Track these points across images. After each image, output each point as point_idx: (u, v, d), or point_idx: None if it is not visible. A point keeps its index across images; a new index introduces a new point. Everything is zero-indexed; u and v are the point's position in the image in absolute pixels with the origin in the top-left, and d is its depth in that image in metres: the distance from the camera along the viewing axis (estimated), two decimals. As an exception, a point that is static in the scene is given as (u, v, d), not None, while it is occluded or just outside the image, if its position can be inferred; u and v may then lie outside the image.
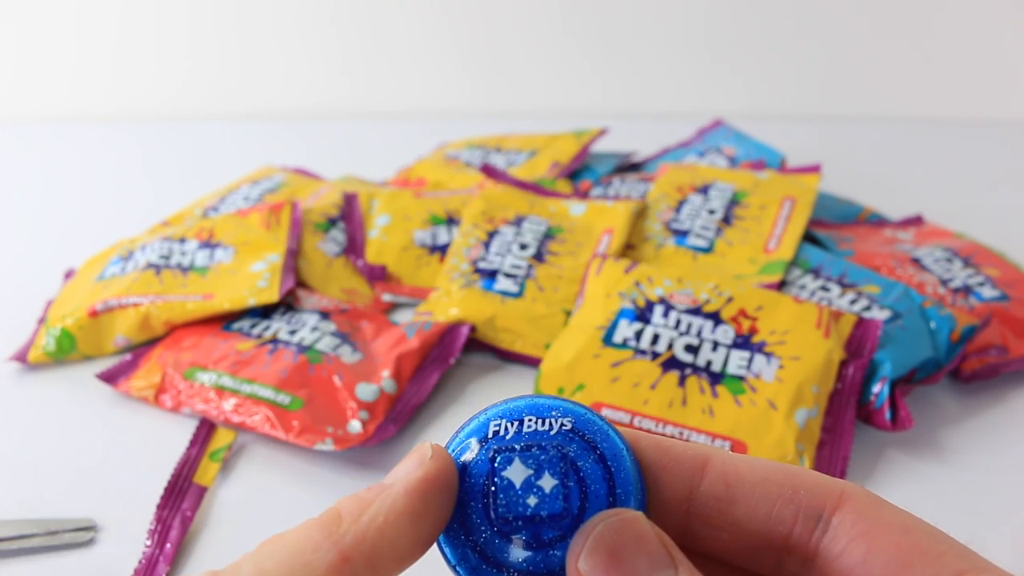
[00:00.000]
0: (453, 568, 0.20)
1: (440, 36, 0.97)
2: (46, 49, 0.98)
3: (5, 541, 0.40)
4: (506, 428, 0.21)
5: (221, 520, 0.43)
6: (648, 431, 0.38)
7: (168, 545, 0.40)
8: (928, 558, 0.18)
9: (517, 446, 0.20)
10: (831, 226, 0.64)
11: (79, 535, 0.41)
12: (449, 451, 0.21)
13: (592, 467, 0.20)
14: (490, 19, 0.96)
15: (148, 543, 0.40)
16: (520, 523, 0.20)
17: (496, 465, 0.20)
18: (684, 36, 0.95)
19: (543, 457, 0.20)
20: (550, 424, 0.21)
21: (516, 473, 0.20)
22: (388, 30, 0.97)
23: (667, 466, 0.21)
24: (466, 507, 0.20)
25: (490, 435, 0.21)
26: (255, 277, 0.55)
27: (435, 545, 0.20)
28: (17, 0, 0.95)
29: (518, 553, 0.20)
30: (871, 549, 0.19)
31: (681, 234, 0.59)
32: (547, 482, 0.20)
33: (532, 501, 0.20)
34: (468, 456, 0.21)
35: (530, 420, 0.21)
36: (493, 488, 0.20)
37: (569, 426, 0.21)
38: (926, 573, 0.18)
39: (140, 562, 0.39)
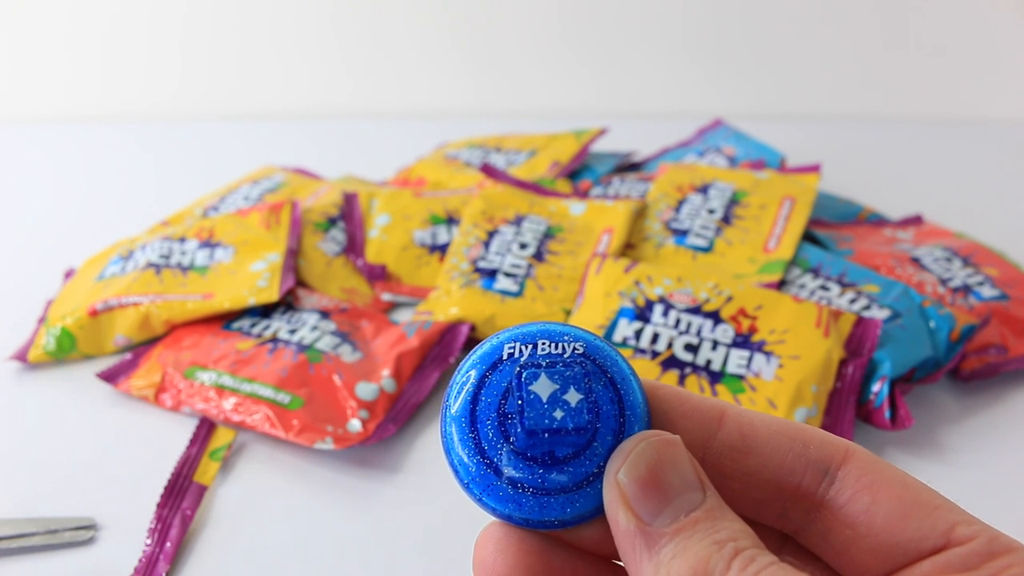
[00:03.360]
0: (465, 487, 0.21)
1: (440, 36, 0.97)
2: (46, 49, 0.98)
3: (5, 540, 0.40)
4: (520, 350, 0.21)
5: (221, 519, 0.43)
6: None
7: (168, 544, 0.40)
8: (925, 510, 0.19)
9: (542, 363, 0.21)
10: (831, 226, 0.64)
11: (79, 534, 0.41)
12: (462, 371, 0.21)
13: (602, 390, 0.21)
14: (490, 19, 0.96)
15: (148, 542, 0.40)
16: (545, 435, 0.20)
17: (523, 380, 0.21)
18: (684, 36, 0.96)
19: (568, 373, 0.21)
20: (563, 348, 0.21)
21: (543, 387, 0.21)
22: (388, 30, 0.97)
23: (686, 413, 0.21)
24: (481, 426, 0.21)
25: (505, 357, 0.21)
26: (255, 276, 0.55)
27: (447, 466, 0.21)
28: (17, 0, 0.95)
29: (532, 469, 0.20)
30: (874, 500, 0.20)
31: (681, 233, 0.59)
32: (573, 396, 0.21)
33: (558, 414, 0.20)
34: (483, 375, 0.21)
35: (544, 344, 0.21)
36: (520, 401, 0.20)
37: (581, 350, 0.21)
38: (923, 523, 0.19)
39: (140, 561, 0.40)
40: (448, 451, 0.21)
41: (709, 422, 0.21)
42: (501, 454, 0.20)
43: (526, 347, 0.21)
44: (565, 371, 0.21)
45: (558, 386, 0.21)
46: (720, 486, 0.21)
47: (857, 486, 0.20)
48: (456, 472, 0.21)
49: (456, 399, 0.21)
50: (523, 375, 0.21)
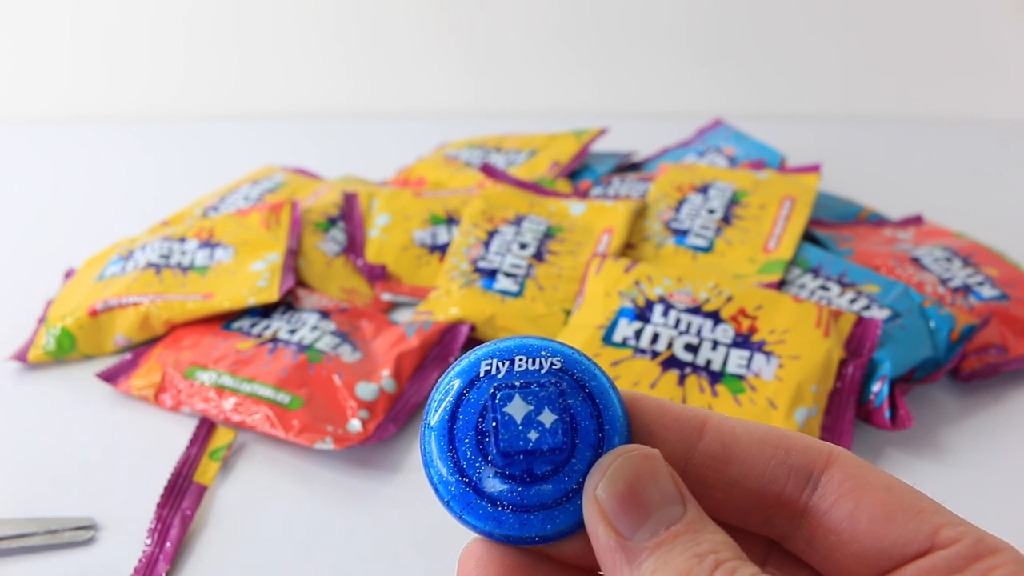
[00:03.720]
0: (446, 504, 0.21)
1: (440, 37, 0.97)
2: (46, 49, 0.98)
3: (5, 540, 0.40)
4: (497, 367, 0.21)
5: (221, 519, 0.43)
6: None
7: (168, 544, 0.40)
8: (909, 513, 0.19)
9: (516, 383, 0.21)
10: (831, 226, 0.64)
11: (79, 534, 0.41)
12: (440, 389, 0.21)
13: (581, 405, 0.21)
14: (490, 20, 0.96)
15: (148, 542, 0.40)
16: (521, 457, 0.20)
17: (497, 401, 0.21)
18: (684, 36, 0.96)
19: (542, 394, 0.21)
20: (540, 364, 0.21)
21: (517, 409, 0.21)
22: (388, 30, 0.97)
23: (667, 424, 0.21)
24: (459, 444, 0.21)
25: (482, 374, 0.21)
26: (255, 276, 0.55)
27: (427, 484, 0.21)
28: (17, 0, 0.95)
29: (511, 487, 0.20)
30: (858, 505, 0.20)
31: (681, 233, 0.59)
32: (547, 417, 0.21)
33: (533, 436, 0.20)
34: (461, 392, 0.21)
35: (521, 360, 0.21)
36: (494, 424, 0.20)
37: (559, 365, 0.21)
38: (907, 527, 0.19)
39: (140, 561, 0.40)
40: (428, 467, 0.21)
41: (690, 432, 0.21)
42: (480, 472, 0.20)
43: (503, 364, 0.21)
44: (540, 391, 0.21)
45: (532, 407, 0.21)
46: (703, 496, 0.21)
47: (840, 491, 0.20)
48: (436, 489, 0.21)
49: (435, 415, 0.21)
50: (497, 396, 0.21)
